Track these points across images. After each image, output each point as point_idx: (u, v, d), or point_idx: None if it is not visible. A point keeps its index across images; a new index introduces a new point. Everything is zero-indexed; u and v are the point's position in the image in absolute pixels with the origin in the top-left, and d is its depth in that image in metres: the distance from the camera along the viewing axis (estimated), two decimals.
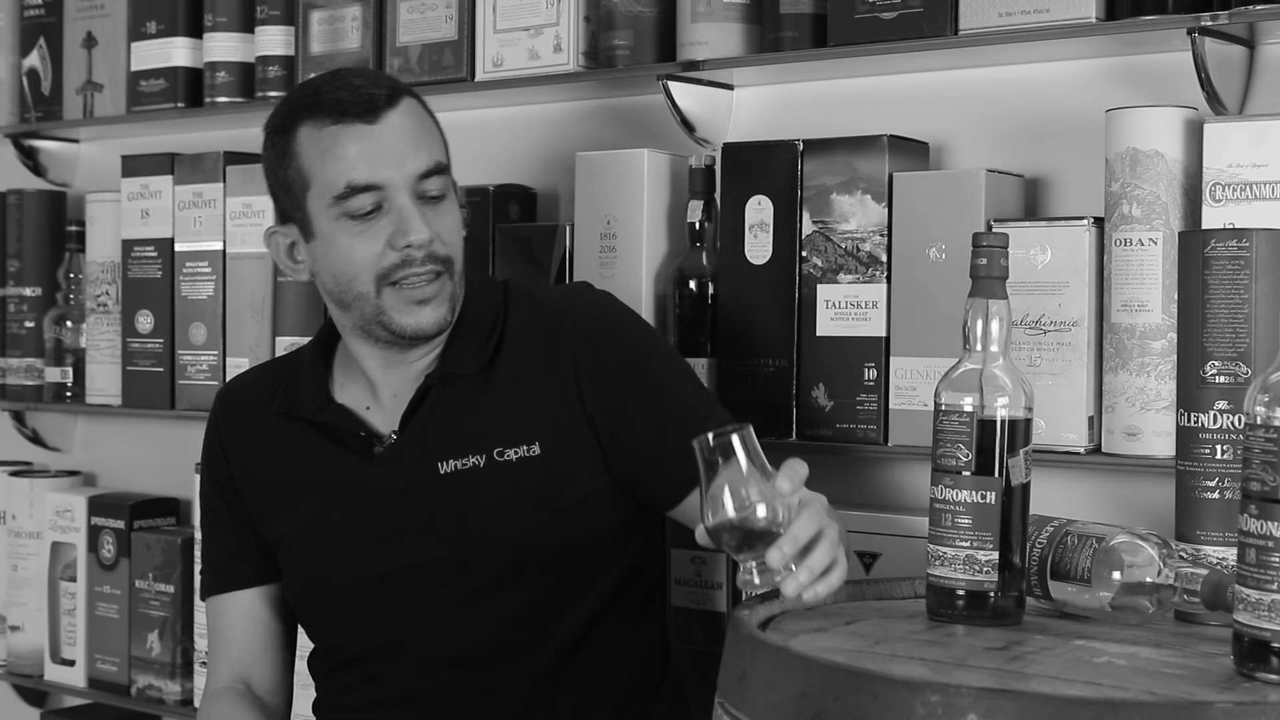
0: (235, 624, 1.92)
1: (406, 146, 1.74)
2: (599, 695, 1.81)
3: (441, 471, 1.77)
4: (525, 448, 1.77)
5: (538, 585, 1.77)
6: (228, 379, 2.47)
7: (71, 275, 2.72)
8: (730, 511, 1.43)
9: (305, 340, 1.98)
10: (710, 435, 1.44)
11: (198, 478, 2.40)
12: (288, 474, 1.86)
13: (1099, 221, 1.79)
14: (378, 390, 1.84)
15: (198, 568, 2.43)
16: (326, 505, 1.83)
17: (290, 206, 1.78)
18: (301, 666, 1.95)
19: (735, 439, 1.44)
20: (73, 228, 2.73)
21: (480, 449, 1.77)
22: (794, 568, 1.42)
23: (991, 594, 1.46)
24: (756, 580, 1.44)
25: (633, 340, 1.82)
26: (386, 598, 1.80)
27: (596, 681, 1.81)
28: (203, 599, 1.98)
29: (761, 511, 1.43)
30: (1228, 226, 1.64)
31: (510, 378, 1.79)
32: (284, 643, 1.94)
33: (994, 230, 1.74)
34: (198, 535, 2.43)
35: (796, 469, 1.45)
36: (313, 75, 2.04)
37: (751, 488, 1.43)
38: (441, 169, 1.77)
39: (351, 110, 1.73)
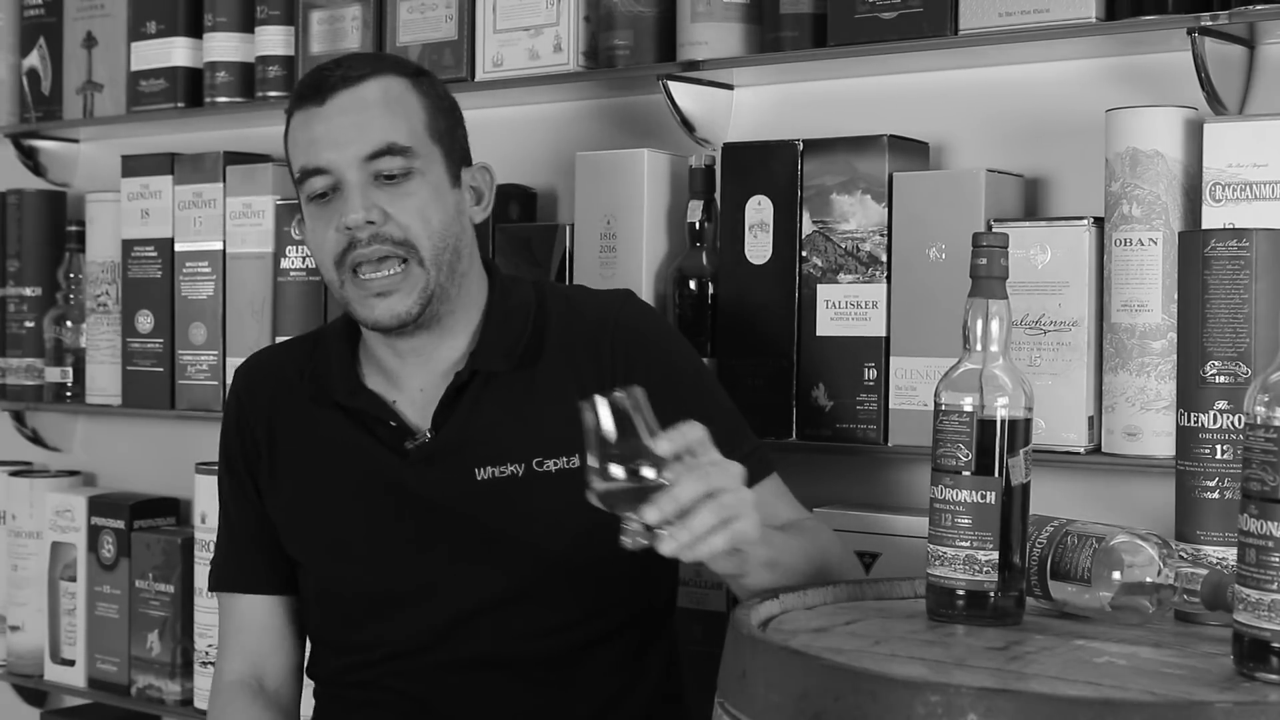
0: (248, 621, 1.87)
1: (353, 128, 1.72)
2: (609, 712, 1.79)
3: (478, 478, 1.74)
4: (565, 459, 1.73)
5: (566, 598, 1.75)
6: (233, 368, 2.46)
7: (71, 275, 2.72)
8: (616, 472, 1.45)
9: None
10: (597, 397, 1.45)
11: (198, 477, 2.44)
12: (316, 463, 1.82)
13: (1099, 221, 1.79)
14: (400, 382, 1.80)
15: (203, 562, 2.45)
16: (356, 505, 1.79)
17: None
18: None
19: (623, 400, 1.45)
20: (73, 228, 2.73)
21: (519, 457, 1.74)
22: (673, 526, 1.43)
23: (991, 594, 1.46)
24: (640, 539, 1.45)
25: (672, 360, 1.80)
26: (414, 604, 1.76)
27: (607, 698, 1.78)
28: (212, 590, 1.92)
29: (647, 472, 1.44)
30: (1228, 226, 1.64)
31: (552, 385, 1.76)
32: (297, 633, 1.89)
33: (994, 230, 1.74)
34: (198, 535, 2.44)
35: (686, 432, 1.45)
36: None
37: (635, 449, 1.45)
38: (396, 149, 1.71)
39: (305, 95, 1.75)
